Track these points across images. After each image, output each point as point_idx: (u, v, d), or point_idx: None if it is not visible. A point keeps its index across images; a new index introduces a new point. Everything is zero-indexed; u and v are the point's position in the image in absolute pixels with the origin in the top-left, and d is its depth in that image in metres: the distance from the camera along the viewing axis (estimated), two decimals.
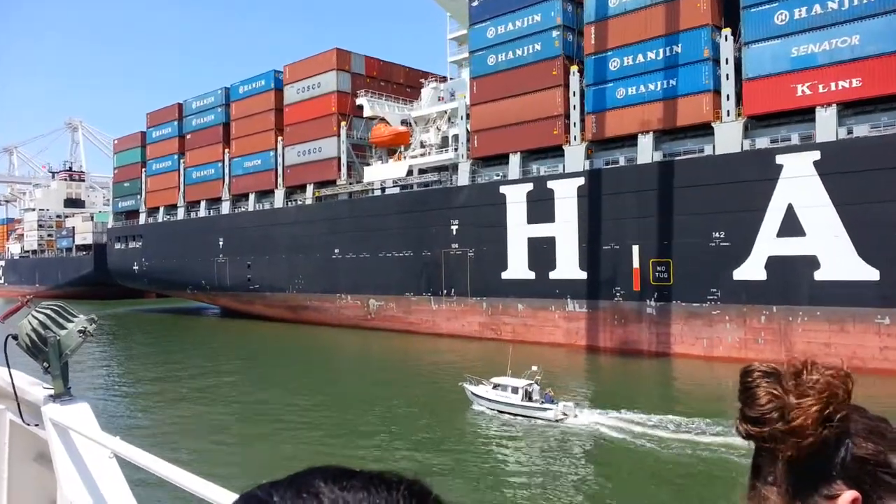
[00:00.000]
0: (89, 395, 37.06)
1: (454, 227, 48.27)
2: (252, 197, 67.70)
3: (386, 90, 61.91)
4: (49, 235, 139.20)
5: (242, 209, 69.38)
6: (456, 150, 49.84)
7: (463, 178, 48.77)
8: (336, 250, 57.29)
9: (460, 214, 47.91)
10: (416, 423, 27.61)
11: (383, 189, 54.62)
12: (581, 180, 41.57)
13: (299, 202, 62.57)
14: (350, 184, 58.11)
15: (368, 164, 59.31)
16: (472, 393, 29.80)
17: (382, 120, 56.46)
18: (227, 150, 70.81)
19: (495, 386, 29.80)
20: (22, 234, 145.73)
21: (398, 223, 51.95)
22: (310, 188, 61.32)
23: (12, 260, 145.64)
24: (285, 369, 40.77)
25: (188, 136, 76.11)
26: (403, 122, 56.61)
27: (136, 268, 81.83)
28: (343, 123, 58.48)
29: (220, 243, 69.67)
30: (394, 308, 52.80)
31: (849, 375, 1.41)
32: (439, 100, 55.78)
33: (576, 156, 42.55)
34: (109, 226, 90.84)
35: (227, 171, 70.81)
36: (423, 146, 53.92)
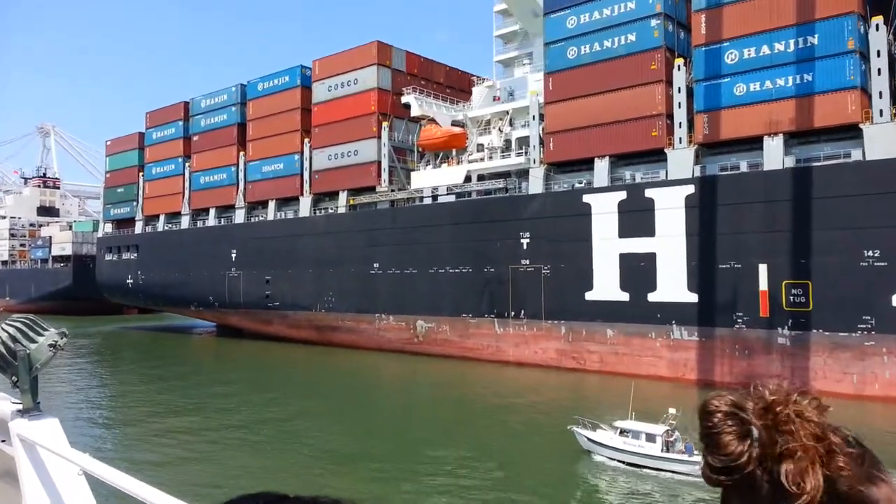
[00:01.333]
0: (88, 425, 30.52)
1: (525, 241, 42.59)
2: (272, 204, 61.14)
3: (426, 89, 56.28)
4: (21, 245, 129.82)
5: (260, 218, 62.72)
6: (525, 154, 44.29)
7: (535, 185, 43.21)
8: (375, 265, 51.10)
9: (532, 226, 42.28)
10: (518, 483, 21.62)
11: (435, 197, 48.73)
12: (690, 188, 36.30)
13: (330, 211, 56.23)
14: (392, 191, 52.09)
15: (411, 169, 53.45)
16: (590, 440, 24.07)
17: (431, 121, 50.75)
18: (242, 153, 64.23)
19: (622, 432, 24.11)
20: None
21: (454, 236, 46.09)
22: (343, 195, 55.09)
23: None
24: (314, 402, 34.41)
25: (195, 138, 69.27)
26: (454, 124, 50.96)
27: (130, 281, 74.24)
28: (385, 124, 52.54)
29: (233, 255, 62.84)
30: (447, 331, 46.75)
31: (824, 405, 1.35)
32: (494, 100, 50.30)
33: (682, 160, 37.31)
34: (99, 235, 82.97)
35: (242, 175, 64.17)
36: (480, 150, 48.24)
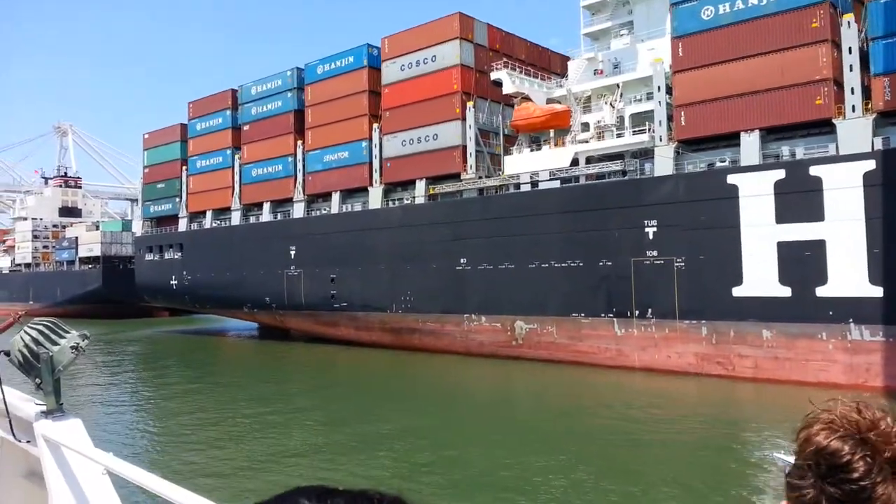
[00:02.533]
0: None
1: (651, 230, 37.42)
2: (336, 197, 56.15)
3: (507, 67, 51.20)
4: (45, 247, 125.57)
5: (323, 211, 57.75)
6: (650, 130, 39.09)
7: (662, 166, 38.03)
8: (463, 260, 46.04)
9: (661, 213, 37.11)
10: None
11: (535, 183, 43.59)
12: (870, 164, 31.05)
13: (407, 201, 51.19)
14: (480, 178, 47.01)
15: (496, 154, 48.42)
16: None
17: (526, 99, 45.61)
18: (300, 142, 59.28)
19: None
20: (12, 246, 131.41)
21: (561, 225, 40.99)
22: (420, 184, 50.04)
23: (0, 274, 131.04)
24: (416, 418, 29.19)
25: (245, 128, 64.39)
26: (549, 102, 45.83)
27: (174, 282, 69.46)
28: (470, 104, 47.46)
29: (292, 253, 57.93)
30: (553, 333, 41.65)
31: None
32: (597, 73, 45.12)
33: (856, 132, 32.04)
34: (137, 233, 78.16)
35: (300, 166, 59.23)
36: (585, 129, 43.08)
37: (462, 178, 47.57)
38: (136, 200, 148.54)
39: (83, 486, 3.55)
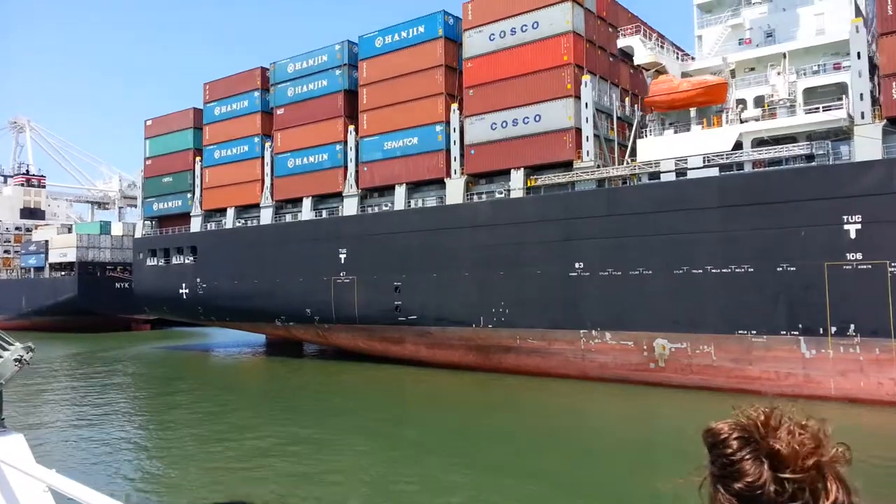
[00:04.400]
0: None
1: (853, 227, 30.38)
2: (401, 190, 47.66)
3: (614, 37, 44.05)
4: (6, 252, 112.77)
5: (384, 207, 49.13)
6: (847, 106, 32.10)
7: (866, 149, 31.04)
8: (578, 265, 38.25)
9: (866, 206, 30.11)
10: None
11: (681, 172, 36.13)
12: None
13: (499, 195, 43.06)
14: (599, 166, 39.35)
15: (610, 139, 40.97)
16: None
17: (659, 71, 38.28)
18: (351, 127, 50.67)
19: None
20: None
21: (721, 222, 33.65)
22: (517, 175, 42.06)
23: None
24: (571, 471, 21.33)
25: (279, 111, 55.42)
26: (685, 76, 38.60)
27: (184, 291, 59.64)
28: (585, 79, 39.86)
29: (342, 257, 49.18)
30: (710, 353, 34.12)
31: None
32: (742, 43, 38.17)
33: None
34: (138, 235, 67.82)
35: (352, 155, 50.57)
36: (741, 106, 35.90)
37: (575, 166, 39.83)
38: (99, 204, 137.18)
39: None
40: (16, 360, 3.70)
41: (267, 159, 55.93)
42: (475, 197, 44.29)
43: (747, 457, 1.45)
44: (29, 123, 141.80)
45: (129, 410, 34.75)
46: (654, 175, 37.12)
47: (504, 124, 42.71)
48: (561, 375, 39.02)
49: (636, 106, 44.28)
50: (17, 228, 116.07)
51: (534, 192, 41.55)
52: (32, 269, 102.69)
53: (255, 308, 54.31)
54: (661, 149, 36.77)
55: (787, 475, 1.41)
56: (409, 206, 47.43)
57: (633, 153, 41.16)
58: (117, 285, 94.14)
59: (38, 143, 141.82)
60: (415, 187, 47.90)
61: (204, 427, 29.12)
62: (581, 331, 38.19)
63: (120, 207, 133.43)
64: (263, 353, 63.88)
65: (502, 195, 42.68)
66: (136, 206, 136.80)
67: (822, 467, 1.44)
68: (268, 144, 55.99)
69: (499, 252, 41.30)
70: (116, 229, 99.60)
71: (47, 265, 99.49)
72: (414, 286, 45.33)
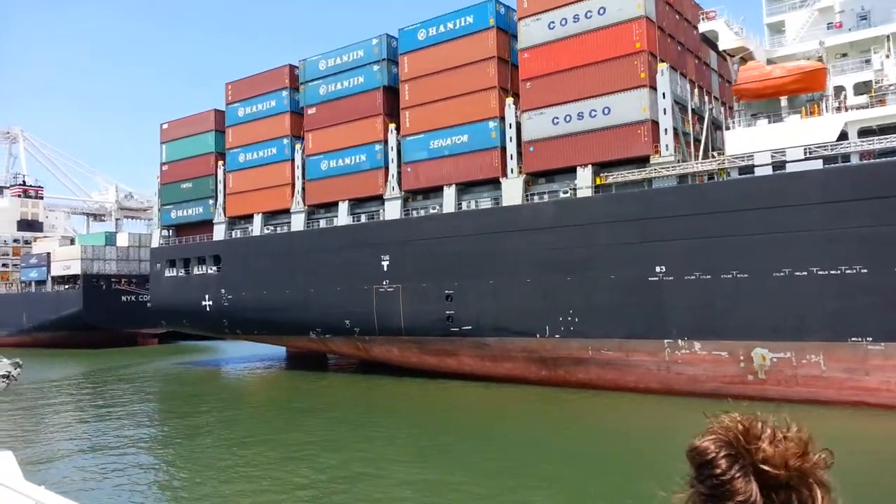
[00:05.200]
0: None
1: None
2: (450, 192, 44.37)
3: (681, 25, 41.21)
4: (4, 266, 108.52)
5: (432, 210, 45.80)
6: None
7: None
8: (659, 268, 35.11)
9: None
10: None
11: (779, 166, 33.06)
12: None
13: (565, 194, 39.86)
14: (679, 161, 36.26)
15: (686, 132, 37.98)
16: None
17: (744, 58, 35.32)
18: (392, 126, 47.44)
19: None
20: None
21: (827, 220, 30.64)
22: (583, 172, 38.90)
23: None
24: None
25: (311, 111, 52.11)
26: (770, 63, 35.64)
27: (207, 303, 56.02)
28: (661, 67, 36.87)
29: (385, 264, 45.84)
30: (819, 363, 31.00)
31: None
32: (832, 27, 35.32)
33: None
34: (154, 244, 64.08)
35: (394, 155, 47.32)
36: (840, 93, 32.96)
37: (652, 161, 36.74)
38: (95, 215, 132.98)
39: None
40: (3, 376, 4.36)
41: (297, 162, 52.57)
42: (535, 197, 41.09)
43: (737, 475, 1.40)
44: (22, 133, 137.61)
45: (182, 436, 31.09)
46: (746, 169, 34.06)
47: (567, 118, 39.61)
48: (640, 390, 35.81)
49: (706, 97, 41.40)
50: (15, 241, 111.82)
51: (604, 191, 38.41)
52: (34, 283, 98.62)
53: (287, 320, 50.80)
54: (753, 141, 33.72)
55: (774, 489, 1.39)
56: (460, 208, 44.15)
57: (711, 147, 38.23)
58: (123, 298, 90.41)
59: (31, 153, 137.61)
60: (465, 188, 44.67)
61: (280, 452, 25.55)
62: (665, 340, 35.00)
63: (117, 219, 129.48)
64: (284, 368, 60.41)
65: (568, 194, 39.51)
66: (133, 218, 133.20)
67: (807, 474, 1.42)
68: (298, 146, 52.65)
69: (565, 256, 38.10)
70: (122, 240, 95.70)
71: (49, 278, 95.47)
72: (468, 294, 42.03)
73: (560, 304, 38.34)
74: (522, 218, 40.30)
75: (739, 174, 34.49)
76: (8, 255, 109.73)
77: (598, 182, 38.58)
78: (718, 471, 1.44)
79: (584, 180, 38.87)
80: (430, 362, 44.31)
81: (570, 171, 39.74)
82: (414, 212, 46.82)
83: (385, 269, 45.98)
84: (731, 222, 33.09)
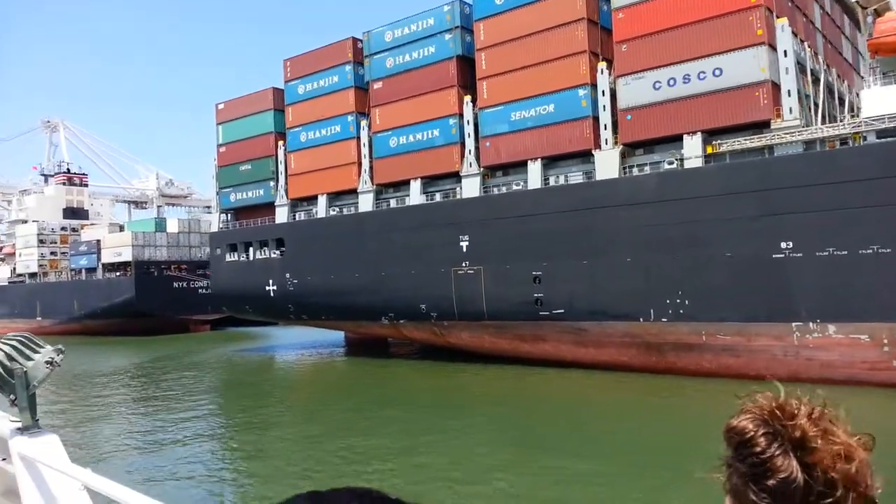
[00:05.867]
0: None
1: None
2: (535, 167, 41.45)
3: None
4: (52, 253, 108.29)
5: (515, 186, 42.94)
6: None
7: None
8: (785, 244, 31.86)
9: None
10: None
11: None
12: None
13: (669, 165, 36.66)
14: (804, 126, 32.80)
15: (805, 94, 34.48)
16: None
17: (877, 11, 31.66)
18: (467, 98, 44.54)
19: None
20: (12, 253, 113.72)
21: None
22: (692, 140, 35.63)
23: None
24: None
25: (377, 85, 49.41)
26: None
27: (271, 288, 54.12)
28: (781, 22, 33.31)
29: (464, 245, 43.22)
30: None
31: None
32: None
33: None
34: (213, 228, 62.35)
35: (470, 129, 44.46)
36: None
37: (773, 126, 33.33)
38: (136, 203, 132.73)
39: (60, 503, 3.51)
40: (47, 362, 3.72)
41: (364, 139, 49.99)
42: (635, 170, 37.96)
43: (777, 452, 1.40)
44: (63, 123, 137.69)
45: (250, 427, 29.02)
46: (886, 133, 30.51)
47: (671, 82, 36.27)
48: (762, 377, 32.72)
49: (819, 56, 37.67)
50: (62, 229, 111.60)
51: (716, 161, 35.13)
52: (84, 270, 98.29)
53: (357, 305, 48.61)
54: (894, 101, 30.12)
55: (816, 463, 1.38)
56: (547, 184, 41.21)
57: (829, 111, 34.71)
58: (175, 284, 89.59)
59: (71, 142, 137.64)
60: (550, 162, 41.67)
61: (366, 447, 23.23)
62: (793, 324, 31.85)
63: (158, 206, 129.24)
64: (344, 354, 58.44)
65: (674, 165, 36.29)
66: (174, 205, 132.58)
67: (847, 453, 1.40)
68: (364, 123, 50.05)
69: (671, 233, 35.02)
70: (172, 226, 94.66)
71: (100, 266, 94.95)
72: (558, 276, 39.23)
73: (666, 286, 35.36)
74: (621, 192, 37.22)
75: (877, 139, 30.96)
76: (56, 243, 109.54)
77: (708, 151, 35.29)
78: (758, 449, 1.41)
79: (691, 149, 35.59)
80: (511, 348, 41.71)
81: (673, 141, 36.50)
82: (495, 188, 44.00)
83: (464, 249, 43.37)
84: (871, 192, 29.67)
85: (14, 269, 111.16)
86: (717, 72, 34.73)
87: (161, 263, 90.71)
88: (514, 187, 42.71)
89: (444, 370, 43.38)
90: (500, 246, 41.56)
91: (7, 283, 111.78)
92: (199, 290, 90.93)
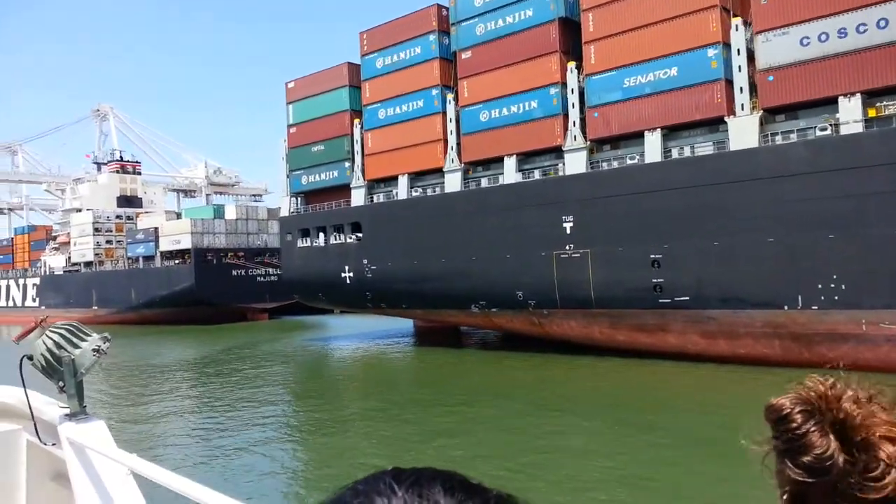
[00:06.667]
0: None
1: None
2: (653, 138, 37.30)
3: None
4: (108, 242, 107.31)
5: (629, 161, 38.88)
6: None
7: None
8: None
9: None
10: None
11: None
12: None
13: (823, 131, 32.22)
14: None
15: None
16: None
17: None
18: (571, 66, 40.53)
19: None
20: (66, 242, 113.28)
21: None
22: (848, 104, 31.13)
23: (51, 276, 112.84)
24: None
25: (465, 55, 45.68)
26: None
27: (347, 275, 51.07)
28: None
29: (567, 226, 39.37)
30: None
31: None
32: None
33: None
34: (283, 213, 59.58)
35: (574, 99, 40.49)
36: None
37: None
38: (185, 191, 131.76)
39: (108, 487, 3.56)
40: (94, 350, 3.77)
41: (450, 114, 46.36)
42: (778, 138, 33.58)
43: (813, 429, 1.40)
44: (112, 111, 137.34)
45: (326, 427, 25.71)
46: None
47: (823, 37, 31.76)
48: None
49: None
50: (117, 217, 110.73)
51: (879, 125, 30.61)
52: (141, 259, 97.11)
53: (443, 292, 45.20)
54: None
55: (856, 449, 1.36)
56: (669, 156, 37.05)
57: None
58: (234, 272, 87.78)
59: (121, 130, 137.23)
60: (671, 133, 37.51)
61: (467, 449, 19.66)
62: None
63: (207, 194, 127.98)
64: (414, 344, 55.17)
65: (827, 132, 31.85)
66: (222, 193, 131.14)
67: (892, 436, 1.38)
68: (450, 97, 46.40)
69: (824, 209, 30.67)
70: (230, 212, 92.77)
71: (158, 254, 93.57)
72: (682, 259, 35.15)
73: (818, 269, 31.05)
74: (762, 164, 32.89)
75: None
76: (111, 231, 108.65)
77: (870, 114, 30.78)
78: (794, 425, 1.42)
79: (849, 113, 31.10)
80: (624, 339, 37.80)
81: (822, 105, 32.05)
82: (604, 164, 40.01)
83: (568, 231, 39.55)
84: None
85: (69, 257, 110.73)
86: (882, 23, 30.14)
87: (219, 251, 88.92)
88: (629, 161, 38.64)
89: (530, 361, 39.72)
90: (610, 227, 37.64)
91: (62, 272, 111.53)
92: (258, 278, 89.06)
